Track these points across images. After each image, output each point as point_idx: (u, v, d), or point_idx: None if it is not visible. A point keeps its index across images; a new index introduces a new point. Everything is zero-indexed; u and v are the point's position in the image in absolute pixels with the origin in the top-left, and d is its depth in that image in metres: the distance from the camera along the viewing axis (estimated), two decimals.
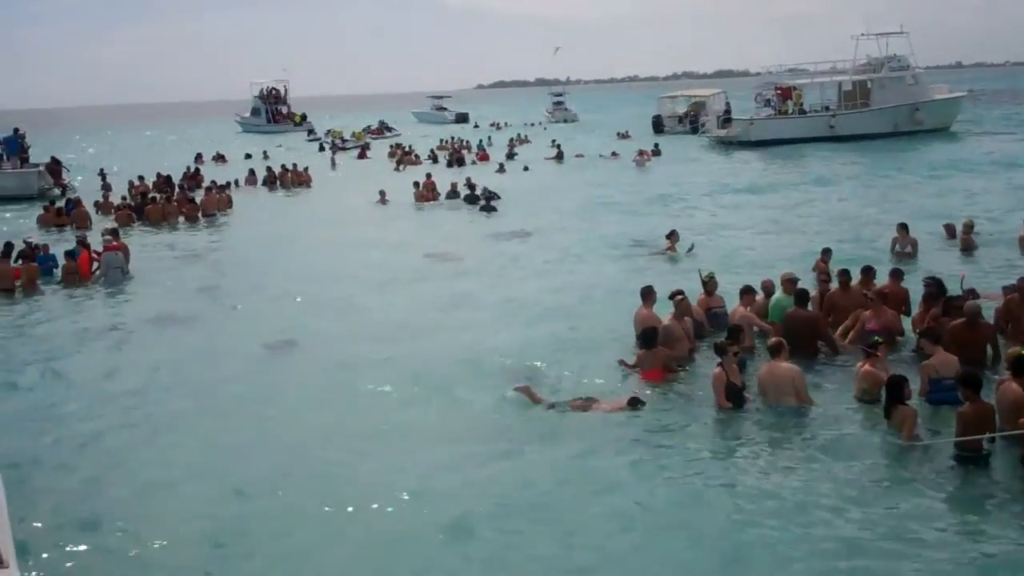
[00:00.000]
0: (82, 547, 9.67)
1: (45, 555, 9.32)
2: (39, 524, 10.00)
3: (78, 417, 13.88)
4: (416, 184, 38.19)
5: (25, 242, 25.17)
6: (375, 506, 10.44)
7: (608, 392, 13.72)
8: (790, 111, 60.40)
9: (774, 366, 12.93)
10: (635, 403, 12.98)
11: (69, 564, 9.33)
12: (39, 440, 12.86)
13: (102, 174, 47.77)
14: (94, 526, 10.17)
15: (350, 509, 10.35)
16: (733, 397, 12.67)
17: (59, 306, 21.84)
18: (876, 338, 13.20)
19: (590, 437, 12.12)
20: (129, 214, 34.56)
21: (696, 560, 9.07)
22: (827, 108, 60.47)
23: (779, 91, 61.64)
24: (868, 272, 16.59)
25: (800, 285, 15.64)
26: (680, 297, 15.47)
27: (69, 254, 24.17)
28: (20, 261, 23.86)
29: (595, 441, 12.00)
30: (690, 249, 24.46)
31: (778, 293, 15.88)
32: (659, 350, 14.41)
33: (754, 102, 64.82)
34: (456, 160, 54.70)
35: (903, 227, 22.45)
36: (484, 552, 9.43)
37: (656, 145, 56.51)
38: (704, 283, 16.75)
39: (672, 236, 24.71)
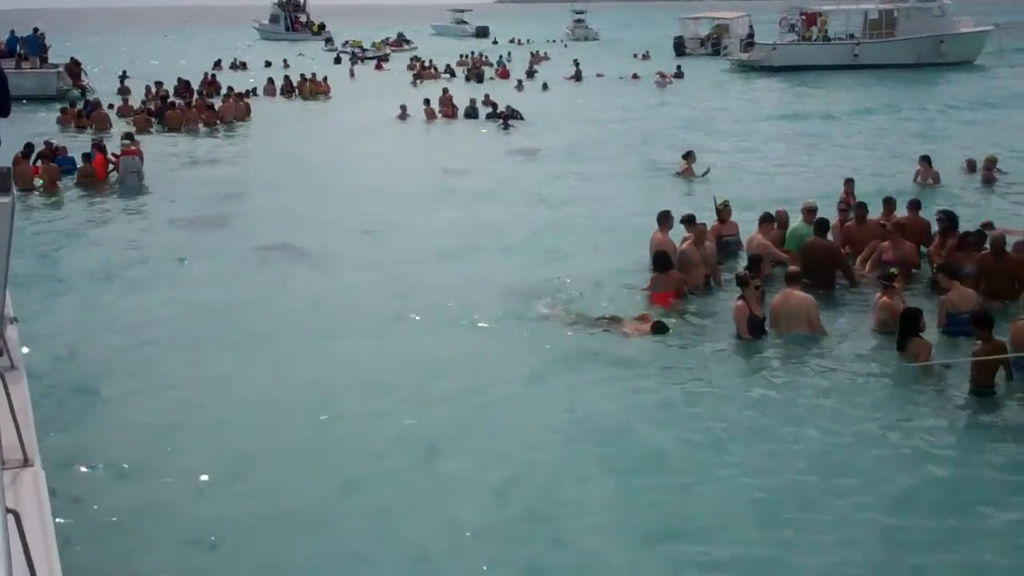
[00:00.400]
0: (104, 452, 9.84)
1: (68, 455, 9.43)
2: (61, 427, 10.14)
3: (97, 326, 13.91)
4: (427, 101, 37.55)
5: (45, 143, 25.26)
6: (402, 437, 10.31)
7: (621, 312, 13.75)
8: (814, 37, 59.73)
9: (789, 294, 12.90)
10: (659, 328, 13.00)
11: (92, 467, 9.53)
12: (57, 343, 12.83)
13: (122, 77, 47.60)
14: (118, 432, 10.35)
15: (379, 449, 10.03)
16: (755, 329, 12.67)
17: (78, 207, 22.14)
18: (892, 270, 13.21)
19: (612, 363, 12.13)
20: (147, 118, 34.58)
21: (716, 499, 9.00)
22: (852, 36, 59.76)
23: (804, 16, 60.92)
24: (888, 203, 16.64)
25: (820, 215, 15.62)
26: (700, 224, 15.45)
27: (85, 156, 24.35)
28: (40, 161, 23.98)
29: (617, 367, 12.00)
30: (706, 172, 24.50)
31: (797, 222, 15.85)
32: (672, 273, 14.40)
33: (779, 26, 64.10)
34: (475, 76, 54.44)
35: (925, 160, 22.35)
36: (513, 481, 9.36)
37: (678, 67, 55.91)
38: (718, 210, 16.64)
39: (688, 157, 24.74)
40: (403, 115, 36.83)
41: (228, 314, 14.32)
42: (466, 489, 9.11)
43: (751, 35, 68.49)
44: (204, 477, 9.38)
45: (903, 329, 11.70)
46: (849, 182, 19.10)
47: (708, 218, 16.41)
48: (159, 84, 41.52)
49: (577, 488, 9.15)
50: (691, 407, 10.95)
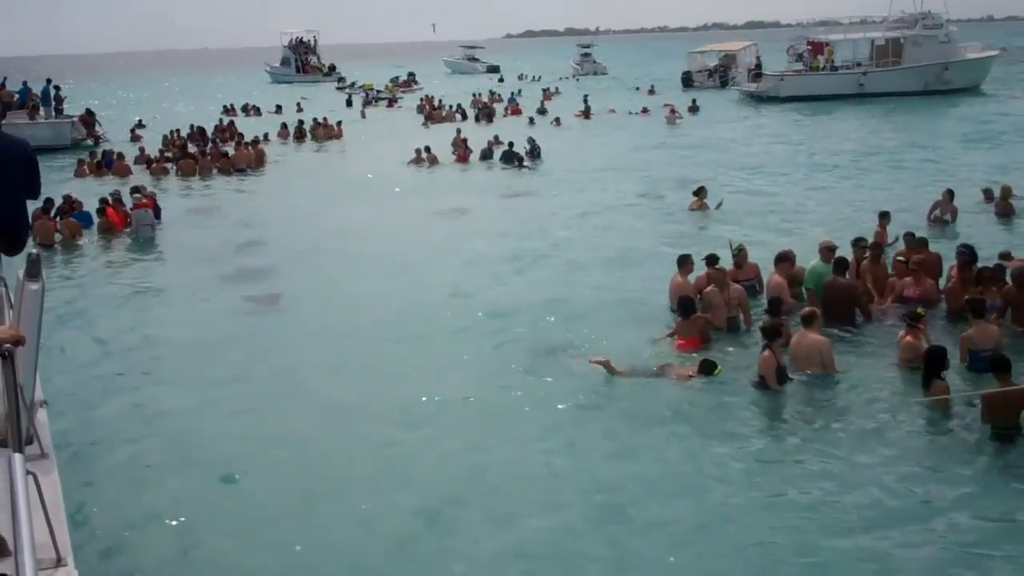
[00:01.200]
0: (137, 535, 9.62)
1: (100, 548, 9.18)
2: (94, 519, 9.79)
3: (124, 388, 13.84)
4: (427, 149, 36.76)
5: (64, 197, 25.56)
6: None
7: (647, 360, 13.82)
8: (821, 67, 59.97)
9: (803, 336, 12.96)
10: (707, 367, 12.98)
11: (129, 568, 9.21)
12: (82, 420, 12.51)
13: (137, 126, 48.03)
14: (150, 510, 10.09)
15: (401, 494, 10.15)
16: (781, 379, 12.59)
17: (96, 262, 22.34)
18: (919, 309, 13.22)
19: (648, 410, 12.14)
20: (164, 167, 35.00)
21: (726, 552, 9.03)
22: (858, 64, 59.98)
23: (811, 46, 61.21)
24: (909, 238, 16.81)
25: (839, 253, 15.64)
26: (720, 269, 15.44)
27: (99, 211, 24.74)
28: (60, 217, 24.27)
29: (647, 414, 12.03)
30: (719, 205, 24.70)
31: (815, 260, 15.81)
32: (697, 318, 14.50)
33: (787, 55, 64.40)
34: (486, 116, 54.59)
35: (949, 193, 22.12)
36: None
37: (694, 100, 55.74)
38: (733, 256, 16.61)
39: (700, 193, 24.90)
40: (418, 159, 36.51)
41: (251, 374, 14.25)
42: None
43: (759, 65, 68.70)
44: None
45: (928, 369, 11.65)
46: (884, 216, 19.15)
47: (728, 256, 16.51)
48: (176, 132, 41.82)
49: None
50: (717, 457, 10.91)
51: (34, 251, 5.72)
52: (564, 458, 10.94)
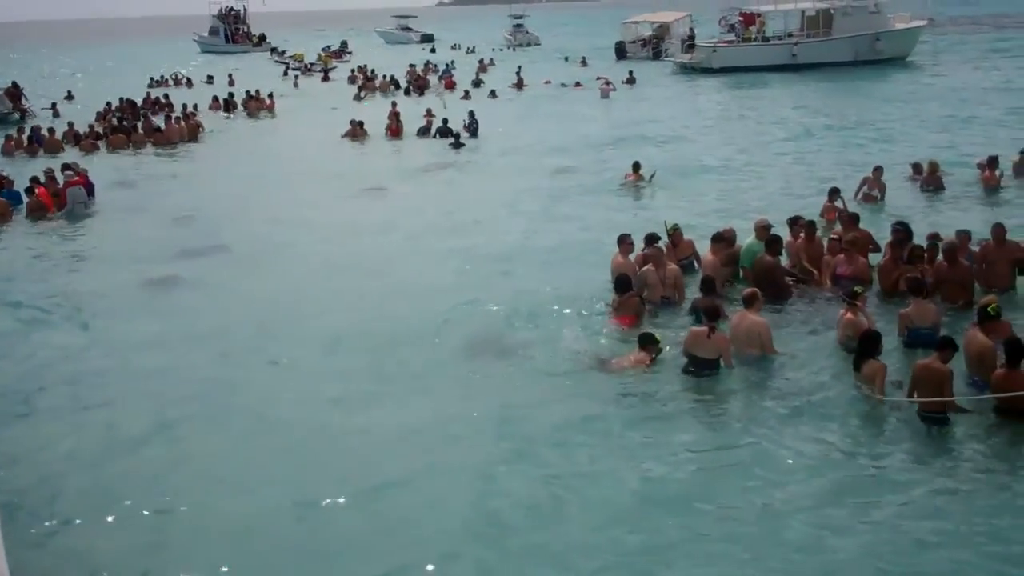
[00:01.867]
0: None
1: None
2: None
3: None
4: (356, 123, 36.84)
5: None
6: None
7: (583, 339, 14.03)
8: (753, 37, 60.31)
9: (743, 316, 13.13)
10: (647, 341, 13.04)
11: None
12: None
13: (61, 101, 47.21)
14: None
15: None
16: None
17: (24, 241, 22.07)
18: (856, 288, 13.42)
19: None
20: (94, 143, 34.40)
21: (662, 523, 9.28)
22: (790, 35, 60.37)
23: (743, 17, 61.46)
24: (845, 216, 17.37)
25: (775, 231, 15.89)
26: (657, 248, 15.73)
27: (28, 191, 24.29)
28: None
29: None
30: (652, 175, 25.24)
31: (750, 239, 16.04)
32: (632, 296, 14.69)
33: (719, 26, 64.61)
34: (417, 88, 54.13)
35: (878, 170, 22.24)
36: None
37: (630, 72, 55.39)
38: (670, 235, 16.81)
39: (636, 167, 25.41)
40: (353, 133, 36.22)
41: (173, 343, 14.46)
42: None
43: (692, 36, 68.87)
44: None
45: (861, 351, 11.84)
46: (834, 192, 19.39)
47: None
48: (108, 105, 41.14)
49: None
50: (653, 440, 11.09)
51: None
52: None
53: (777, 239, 15.56)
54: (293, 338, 14.83)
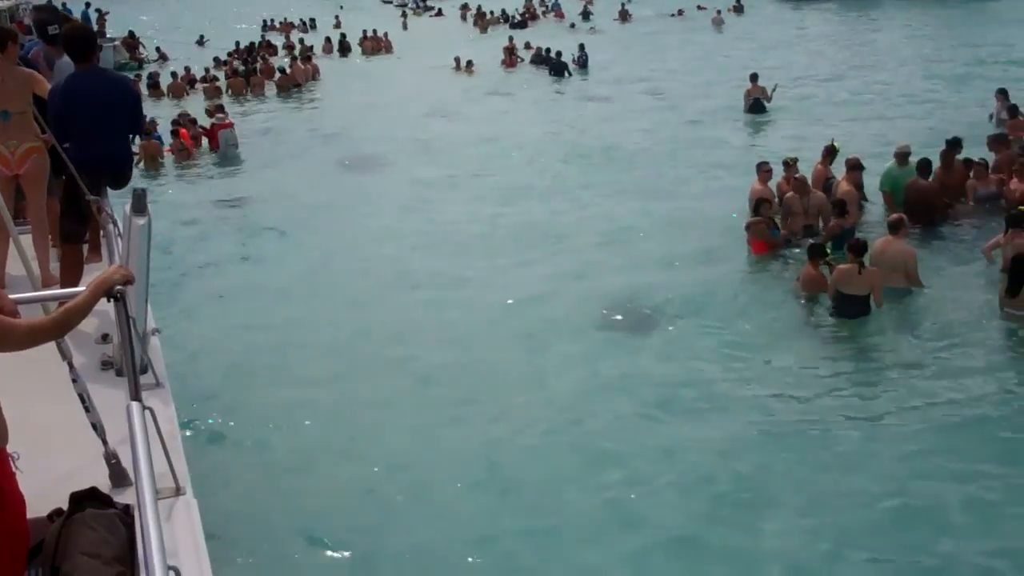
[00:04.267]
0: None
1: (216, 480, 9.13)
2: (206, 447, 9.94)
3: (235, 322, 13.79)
4: (457, 60, 38.05)
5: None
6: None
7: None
8: None
9: (888, 242, 12.89)
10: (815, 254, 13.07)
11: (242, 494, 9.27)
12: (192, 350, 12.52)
13: (199, 42, 49.19)
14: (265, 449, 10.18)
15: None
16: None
17: (186, 186, 22.73)
18: (1022, 207, 13.03)
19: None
20: (217, 87, 35.43)
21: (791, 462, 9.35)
22: None
23: None
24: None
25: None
26: (801, 176, 15.93)
27: (172, 133, 25.08)
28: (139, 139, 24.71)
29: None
30: (775, 88, 25.96)
31: (890, 163, 16.29)
32: (759, 222, 14.83)
33: None
34: (519, 23, 53.90)
35: (1002, 93, 21.92)
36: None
37: (738, 1, 54.42)
38: (826, 153, 17.15)
39: (754, 79, 26.41)
40: (464, 68, 37.42)
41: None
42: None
43: None
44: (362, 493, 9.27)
45: (1015, 274, 11.58)
46: (1002, 93, 19.20)
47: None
48: (231, 53, 42.20)
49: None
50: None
51: (139, 187, 5.98)
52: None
53: (928, 162, 15.65)
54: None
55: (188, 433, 8.69)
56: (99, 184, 7.59)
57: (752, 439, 9.74)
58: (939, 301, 12.66)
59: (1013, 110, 20.20)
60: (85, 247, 8.28)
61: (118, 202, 7.47)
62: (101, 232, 8.03)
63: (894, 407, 10.11)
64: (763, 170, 16.28)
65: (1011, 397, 10.14)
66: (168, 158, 24.59)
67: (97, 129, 7.62)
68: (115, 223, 7.06)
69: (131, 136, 8.31)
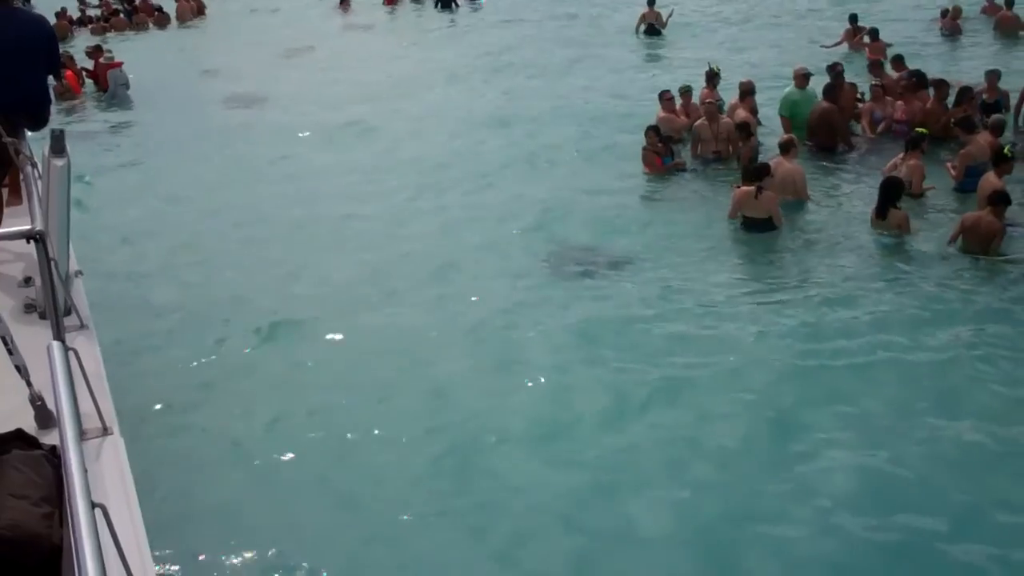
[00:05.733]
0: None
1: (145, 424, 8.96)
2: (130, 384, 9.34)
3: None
4: None
5: None
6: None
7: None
8: None
9: (779, 163, 13.41)
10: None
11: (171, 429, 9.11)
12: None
13: None
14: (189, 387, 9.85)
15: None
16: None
17: (78, 127, 21.60)
18: (920, 129, 13.63)
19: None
20: (104, 27, 34.36)
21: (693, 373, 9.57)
22: None
23: None
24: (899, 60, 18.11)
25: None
26: (709, 103, 16.21)
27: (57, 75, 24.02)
28: None
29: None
30: (670, 14, 26.33)
31: (789, 87, 16.47)
32: (646, 149, 15.35)
33: None
34: None
35: (852, 19, 23.10)
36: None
37: None
38: (709, 77, 17.48)
39: (651, 3, 26.63)
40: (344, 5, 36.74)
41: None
42: None
43: None
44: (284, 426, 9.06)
45: (887, 198, 12.08)
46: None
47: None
48: None
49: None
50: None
51: (57, 127, 5.80)
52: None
53: (833, 85, 15.95)
54: None
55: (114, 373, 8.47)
56: (17, 126, 7.31)
57: (657, 347, 10.11)
58: (834, 218, 13.23)
59: (874, 34, 21.21)
60: (5, 190, 8.03)
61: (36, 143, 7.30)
62: (20, 175, 7.78)
63: (786, 309, 10.70)
64: (665, 98, 16.76)
65: (870, 298, 10.81)
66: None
67: (12, 70, 7.25)
68: (34, 165, 6.86)
69: (48, 76, 8.02)
